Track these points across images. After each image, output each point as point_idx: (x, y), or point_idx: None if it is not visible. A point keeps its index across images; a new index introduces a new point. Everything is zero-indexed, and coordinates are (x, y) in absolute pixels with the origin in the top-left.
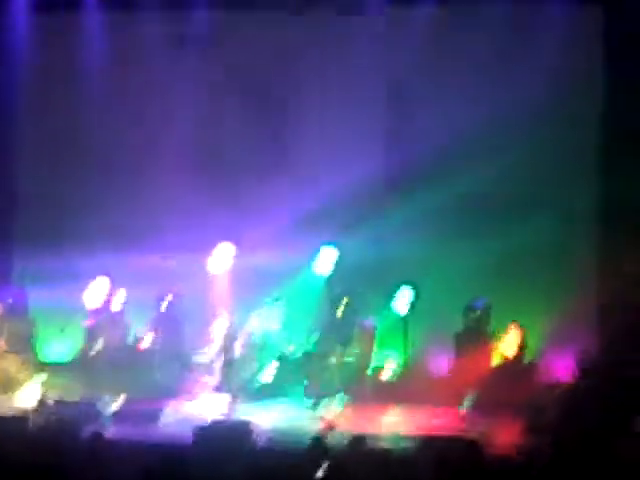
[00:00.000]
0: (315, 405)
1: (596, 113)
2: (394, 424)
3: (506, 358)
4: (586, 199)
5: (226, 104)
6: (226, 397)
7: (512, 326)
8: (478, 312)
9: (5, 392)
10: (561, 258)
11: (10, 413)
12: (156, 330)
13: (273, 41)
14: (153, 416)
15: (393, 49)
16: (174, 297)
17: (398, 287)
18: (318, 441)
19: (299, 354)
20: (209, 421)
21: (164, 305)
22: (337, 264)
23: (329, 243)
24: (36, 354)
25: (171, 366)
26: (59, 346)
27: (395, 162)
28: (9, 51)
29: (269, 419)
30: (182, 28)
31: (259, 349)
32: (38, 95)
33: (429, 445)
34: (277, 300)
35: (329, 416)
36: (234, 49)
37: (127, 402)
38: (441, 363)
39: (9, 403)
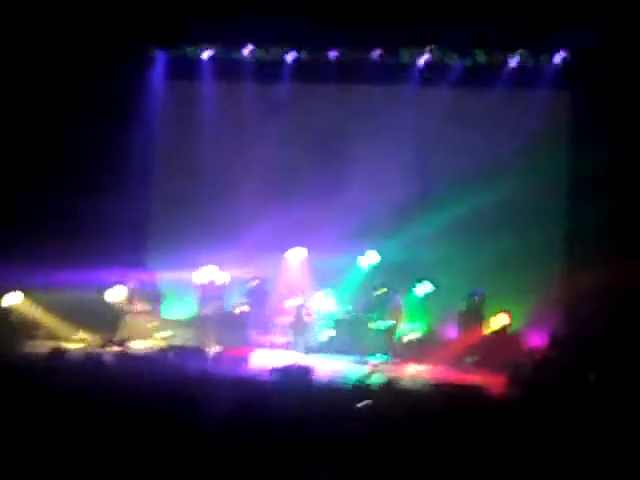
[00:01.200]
0: (361, 359)
1: (563, 163)
2: (417, 373)
3: (496, 331)
4: (558, 221)
5: (298, 152)
6: (296, 350)
7: (501, 309)
8: (476, 298)
9: (142, 339)
10: (539, 264)
11: (145, 352)
12: (248, 301)
13: (332, 108)
14: (244, 360)
15: (420, 114)
16: (261, 278)
17: (421, 279)
18: (365, 379)
19: (349, 321)
20: (284, 365)
21: (254, 283)
22: (378, 262)
23: (373, 248)
24: (162, 313)
25: (258, 326)
26: (180, 309)
27: (420, 192)
28: (150, 106)
29: (327, 366)
30: (266, 99)
31: (321, 318)
32: (169, 141)
33: (442, 388)
34: (335, 285)
35: (372, 365)
36: (303, 115)
37: (226, 349)
38: (450, 333)
39: (144, 346)
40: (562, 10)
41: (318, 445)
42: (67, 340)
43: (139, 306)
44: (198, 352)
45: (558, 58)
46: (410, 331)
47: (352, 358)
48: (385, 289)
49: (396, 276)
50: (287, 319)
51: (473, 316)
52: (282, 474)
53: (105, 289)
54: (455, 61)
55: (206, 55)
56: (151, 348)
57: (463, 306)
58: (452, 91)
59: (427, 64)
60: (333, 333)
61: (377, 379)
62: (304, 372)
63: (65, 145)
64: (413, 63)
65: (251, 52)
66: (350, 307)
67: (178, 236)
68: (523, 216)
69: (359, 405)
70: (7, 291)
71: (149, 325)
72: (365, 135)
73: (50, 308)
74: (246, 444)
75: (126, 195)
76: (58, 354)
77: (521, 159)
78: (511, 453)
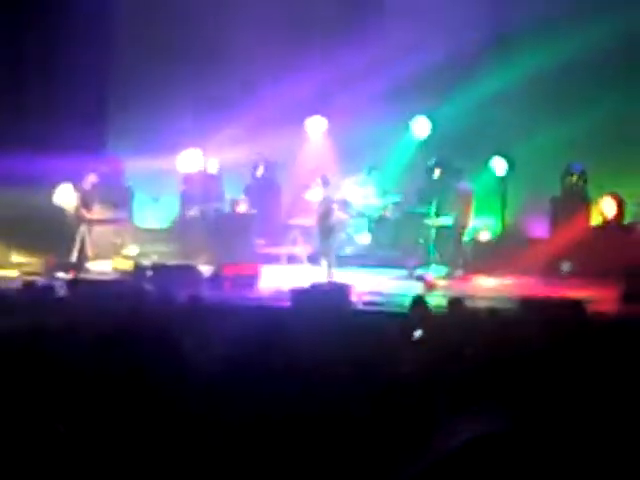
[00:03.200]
0: (412, 271)
1: None
2: (493, 286)
3: (604, 221)
4: None
5: None
6: (323, 264)
7: (608, 192)
8: (575, 176)
9: (105, 258)
10: None
11: (108, 277)
12: (251, 196)
13: None
14: (250, 281)
15: None
16: (268, 163)
17: (495, 154)
18: (420, 300)
19: (395, 218)
20: (306, 284)
21: (259, 171)
22: (432, 132)
23: (423, 112)
24: (133, 221)
25: (268, 232)
26: (155, 213)
27: (490, 30)
28: None
29: (366, 283)
30: None
31: (355, 215)
32: None
33: (532, 306)
34: (372, 168)
35: (429, 278)
36: None
37: (225, 267)
38: (538, 229)
39: (108, 268)
40: None
41: (359, 400)
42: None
43: (99, 212)
44: (186, 272)
45: None
46: (482, 229)
47: (399, 271)
48: (443, 170)
49: (458, 151)
50: (308, 220)
51: (571, 203)
52: (310, 447)
53: (51, 189)
54: None
55: None
56: (118, 270)
57: (556, 190)
58: None
59: None
60: (371, 237)
61: (437, 299)
62: (338, 292)
63: None
64: None
65: None
66: (397, 197)
67: (150, 109)
68: (634, 64)
69: (415, 337)
70: None
71: (114, 238)
72: None
73: None
74: (256, 404)
75: (78, 58)
76: None
77: None
78: (632, 395)
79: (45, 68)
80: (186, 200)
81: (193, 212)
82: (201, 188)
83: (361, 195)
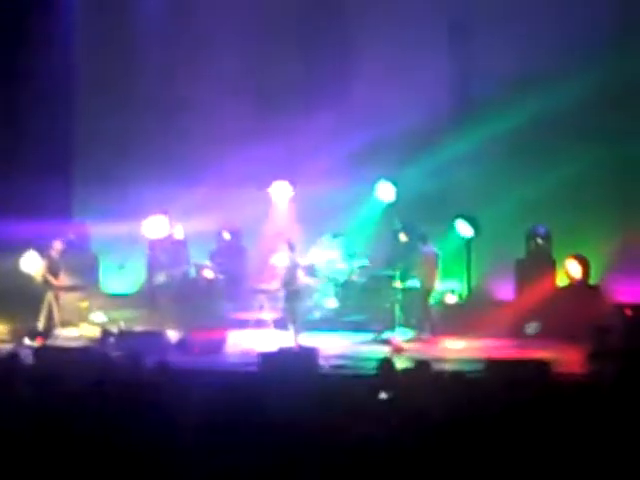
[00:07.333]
0: (379, 335)
1: None
2: (460, 349)
3: (569, 283)
4: None
5: (277, 43)
6: (290, 328)
7: (572, 254)
8: (540, 238)
9: (68, 325)
10: (623, 190)
11: (74, 344)
12: (218, 262)
13: None
14: (217, 346)
15: None
16: (234, 229)
17: (458, 217)
18: (387, 362)
19: (361, 282)
20: (274, 349)
21: (225, 237)
22: (396, 196)
23: (387, 177)
24: (99, 287)
25: (235, 297)
26: (121, 279)
27: (453, 96)
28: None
29: (334, 346)
30: None
31: (321, 280)
32: (96, 40)
33: (497, 367)
34: (337, 233)
35: (396, 341)
36: None
37: (193, 332)
38: (504, 289)
39: (73, 335)
40: None
41: (327, 460)
42: None
43: (66, 279)
44: (153, 338)
45: None
46: (448, 292)
47: (366, 335)
48: (408, 234)
49: (423, 215)
50: (275, 284)
51: (536, 265)
52: None
53: (17, 255)
54: None
55: None
56: (85, 337)
57: (521, 252)
58: None
59: None
60: (338, 301)
61: (404, 362)
62: (305, 356)
63: None
64: None
65: None
66: (363, 261)
67: (115, 175)
68: (597, 127)
69: (382, 397)
70: None
71: (81, 304)
72: (378, 17)
73: None
74: (226, 468)
75: (42, 122)
76: None
77: (595, 44)
78: (597, 452)
79: (7, 134)
80: (152, 266)
81: (160, 278)
82: (167, 254)
83: (327, 259)
